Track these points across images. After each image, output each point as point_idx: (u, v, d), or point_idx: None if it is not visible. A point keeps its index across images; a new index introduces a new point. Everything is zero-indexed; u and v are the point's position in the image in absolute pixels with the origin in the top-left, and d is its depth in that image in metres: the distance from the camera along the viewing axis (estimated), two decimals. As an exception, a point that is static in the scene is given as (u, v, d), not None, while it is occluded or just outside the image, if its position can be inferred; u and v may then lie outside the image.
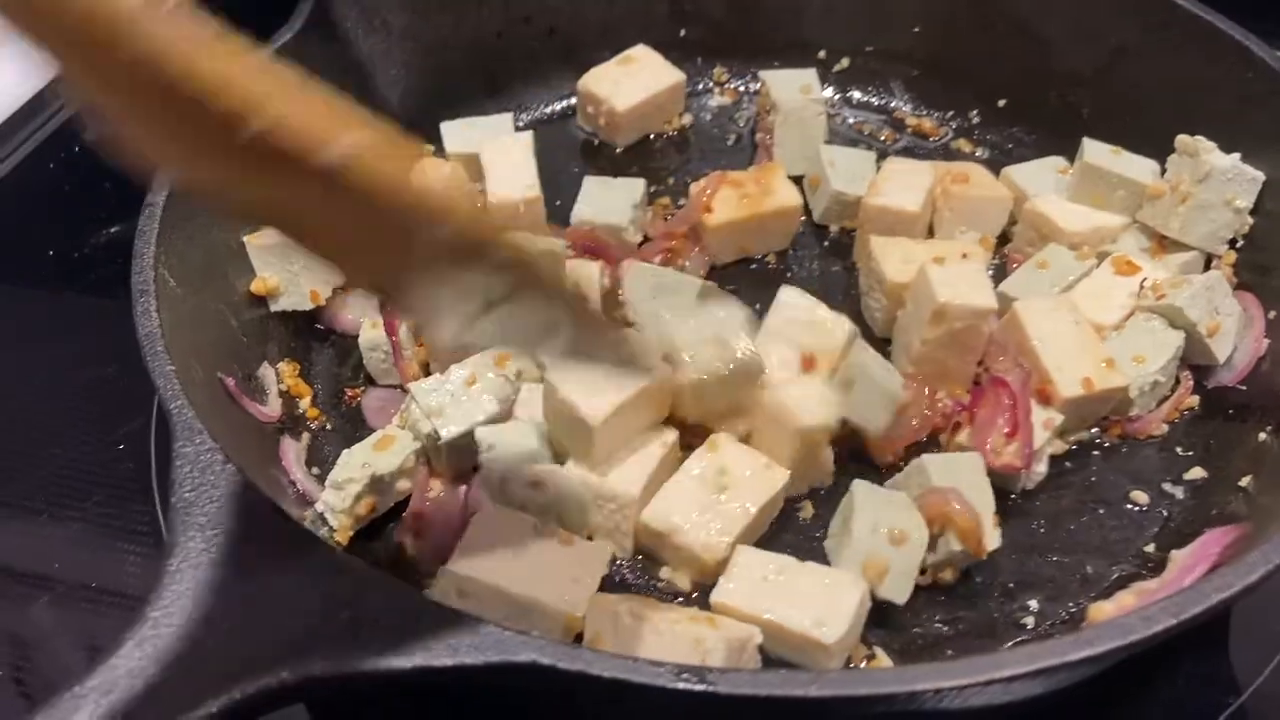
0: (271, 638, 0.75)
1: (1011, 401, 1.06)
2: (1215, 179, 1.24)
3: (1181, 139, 1.27)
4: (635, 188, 1.40)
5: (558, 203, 1.41)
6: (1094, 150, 1.34)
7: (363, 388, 1.24)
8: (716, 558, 1.01)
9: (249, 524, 0.83)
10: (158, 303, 1.00)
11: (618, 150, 1.56)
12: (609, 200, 1.38)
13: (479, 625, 0.76)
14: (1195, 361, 1.19)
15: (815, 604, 0.93)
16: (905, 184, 1.36)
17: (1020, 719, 0.96)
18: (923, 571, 1.02)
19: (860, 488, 1.04)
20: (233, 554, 0.80)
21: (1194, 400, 1.16)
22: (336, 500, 1.04)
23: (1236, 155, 1.24)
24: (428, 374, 1.20)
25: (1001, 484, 1.08)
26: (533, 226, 1.35)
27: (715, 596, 0.96)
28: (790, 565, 0.97)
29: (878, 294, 1.25)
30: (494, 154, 1.40)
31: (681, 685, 0.72)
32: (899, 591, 0.98)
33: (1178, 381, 1.19)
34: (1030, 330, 1.13)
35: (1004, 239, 1.39)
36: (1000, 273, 1.34)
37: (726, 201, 1.36)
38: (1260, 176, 1.24)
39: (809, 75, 1.54)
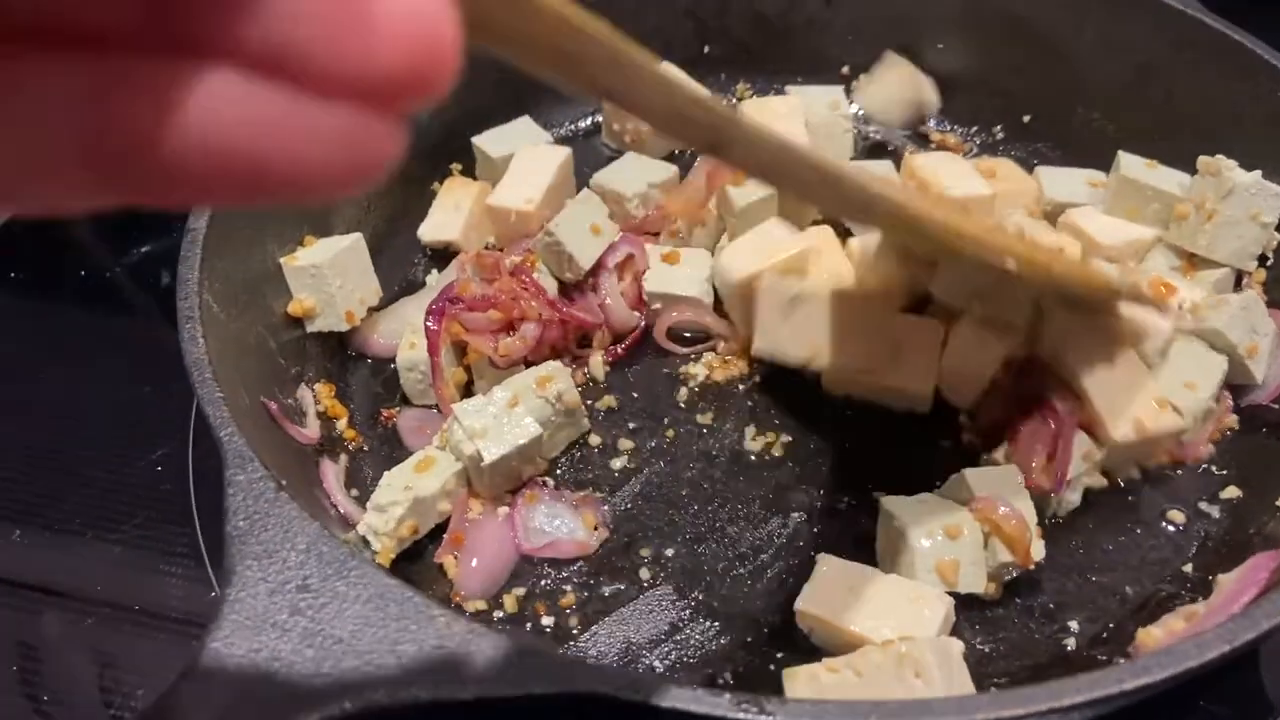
0: (332, 667, 0.75)
1: (1056, 428, 1.06)
2: (1239, 194, 1.24)
3: (1202, 160, 1.27)
4: (665, 171, 1.43)
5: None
6: (1130, 163, 1.35)
7: (398, 408, 1.24)
8: None
9: (304, 553, 0.84)
10: (203, 329, 1.01)
11: (644, 167, 1.57)
12: (632, 173, 1.42)
13: (539, 654, 0.76)
14: (1234, 382, 1.20)
15: (901, 617, 0.94)
16: (956, 173, 1.38)
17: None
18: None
19: (891, 503, 1.05)
20: (290, 583, 0.81)
21: (1233, 420, 1.16)
22: (380, 523, 1.05)
23: (1258, 173, 1.25)
24: (466, 395, 1.21)
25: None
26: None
27: (800, 605, 0.97)
28: (874, 576, 0.98)
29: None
30: (524, 161, 1.41)
31: (741, 715, 0.73)
32: (975, 582, 0.99)
33: (1217, 401, 1.19)
34: (1079, 369, 1.10)
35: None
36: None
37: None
38: (1283, 191, 1.25)
39: (836, 92, 1.55)
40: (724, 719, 0.73)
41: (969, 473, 1.06)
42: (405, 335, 1.23)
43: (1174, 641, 0.76)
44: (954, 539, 1.00)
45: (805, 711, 0.73)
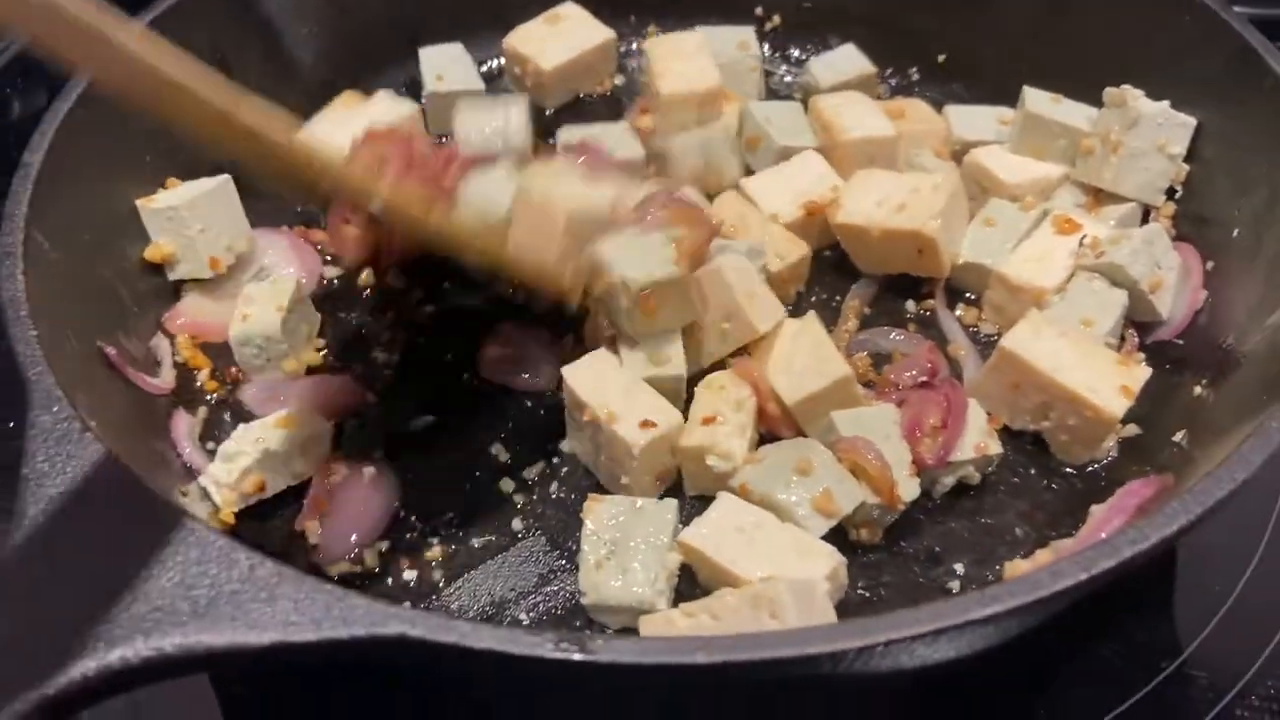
0: (117, 613, 0.69)
1: (949, 401, 1.02)
2: (1145, 125, 1.20)
3: (1109, 91, 1.22)
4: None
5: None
6: (1035, 98, 1.30)
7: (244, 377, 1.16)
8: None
9: (107, 498, 0.78)
10: (24, 265, 0.94)
11: (547, 112, 1.51)
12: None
13: (345, 597, 0.70)
14: (1139, 319, 1.15)
15: (784, 565, 0.89)
16: (860, 113, 1.34)
17: (955, 679, 0.92)
18: (844, 532, 0.98)
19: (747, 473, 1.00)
20: (85, 528, 0.75)
21: (1139, 358, 1.11)
22: (222, 473, 0.98)
23: (1166, 102, 1.20)
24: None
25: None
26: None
27: (685, 536, 0.93)
28: (768, 522, 0.94)
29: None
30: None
31: (560, 655, 0.67)
32: (853, 497, 0.97)
33: (1122, 339, 1.14)
34: (1042, 364, 1.03)
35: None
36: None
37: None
38: (1191, 122, 1.20)
39: (746, 32, 1.49)
40: (543, 659, 0.67)
41: (837, 414, 1.01)
42: (239, 307, 1.14)
43: (1034, 571, 0.71)
44: (808, 474, 0.96)
45: (629, 649, 0.67)
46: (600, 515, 0.96)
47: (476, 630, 0.69)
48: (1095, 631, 1.01)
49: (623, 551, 0.94)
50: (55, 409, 0.82)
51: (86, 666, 0.66)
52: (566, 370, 1.03)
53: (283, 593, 0.71)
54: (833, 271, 1.27)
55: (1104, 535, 0.84)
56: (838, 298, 1.25)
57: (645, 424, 0.99)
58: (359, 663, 0.78)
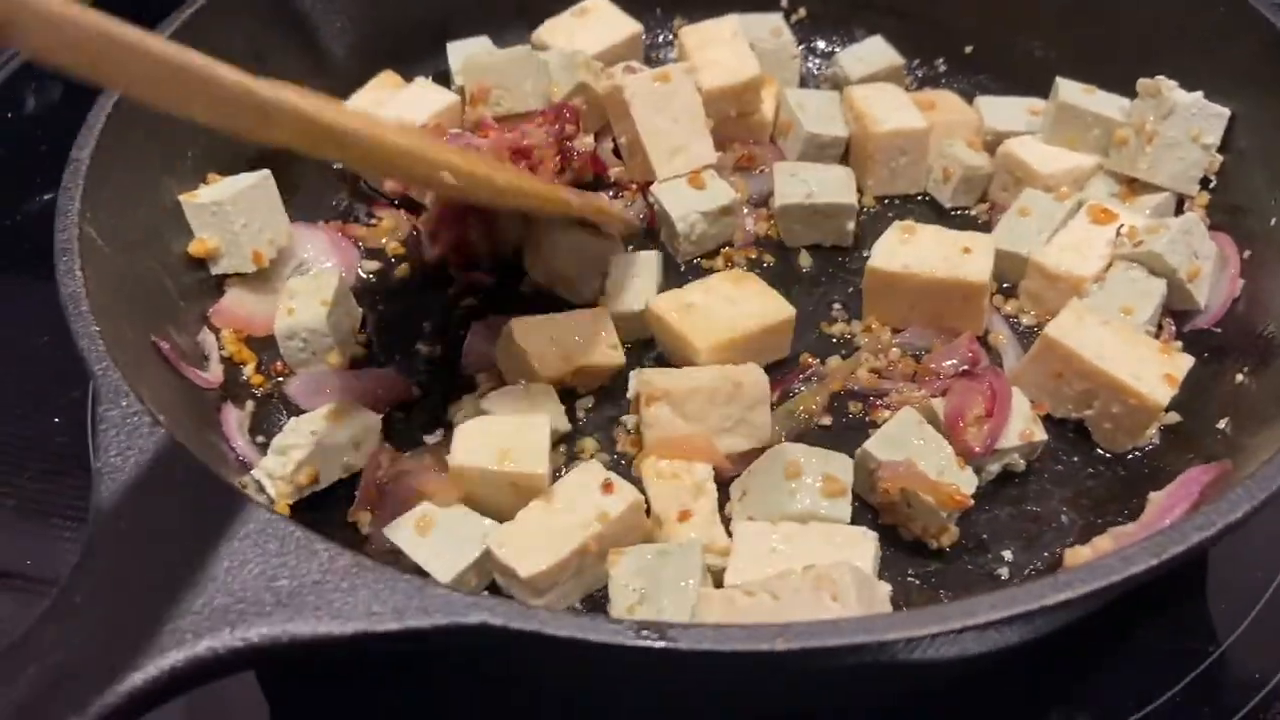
0: (203, 606, 0.70)
1: (994, 390, 1.02)
2: (1179, 115, 1.21)
3: (1142, 82, 1.23)
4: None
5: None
6: (1068, 89, 1.30)
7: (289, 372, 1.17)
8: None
9: (180, 490, 0.78)
10: (82, 261, 0.95)
11: (576, 105, 1.51)
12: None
13: (425, 587, 0.71)
14: (1176, 307, 1.16)
15: (831, 559, 0.87)
16: (892, 105, 1.34)
17: (999, 668, 0.93)
18: (917, 537, 1.00)
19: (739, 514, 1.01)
20: (162, 521, 0.76)
21: (1177, 346, 1.12)
22: (276, 465, 0.99)
23: (1199, 93, 1.21)
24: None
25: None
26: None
27: (729, 579, 0.91)
28: (795, 530, 0.94)
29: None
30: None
31: (641, 642, 0.68)
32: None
33: (1160, 328, 1.16)
34: (1086, 352, 1.03)
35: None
36: (986, 227, 1.31)
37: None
38: (1225, 112, 1.21)
39: (776, 19, 1.50)
40: (624, 646, 0.68)
41: (869, 444, 1.01)
42: (282, 301, 1.15)
43: (1099, 558, 0.72)
44: (800, 474, 0.97)
45: (708, 637, 0.68)
46: (625, 567, 0.91)
47: (557, 618, 0.70)
48: (1132, 622, 1.02)
49: (652, 598, 0.89)
50: (124, 403, 0.83)
51: (175, 658, 0.67)
52: None
53: (363, 582, 0.71)
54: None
55: (1168, 521, 0.85)
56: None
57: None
58: (436, 652, 0.79)
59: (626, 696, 0.92)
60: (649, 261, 1.24)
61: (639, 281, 1.21)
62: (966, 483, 0.98)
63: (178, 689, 0.68)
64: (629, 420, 1.11)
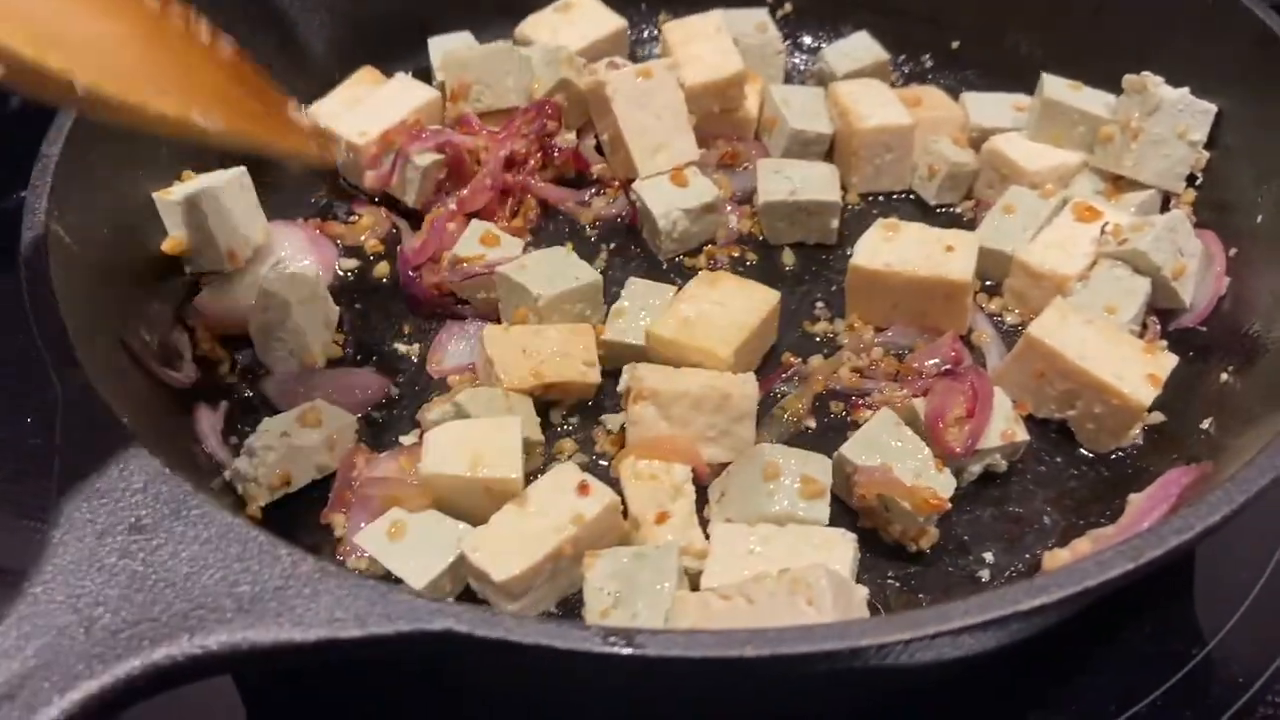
0: (161, 612, 0.69)
1: (975, 389, 1.01)
2: (1165, 111, 1.19)
3: (1128, 78, 1.22)
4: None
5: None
6: (1054, 85, 1.29)
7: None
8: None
9: (144, 492, 0.77)
10: (50, 260, 0.93)
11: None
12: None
13: (390, 592, 0.70)
14: (1161, 306, 1.15)
15: (809, 561, 0.87)
16: (877, 101, 1.33)
17: (979, 671, 0.92)
18: (896, 540, 0.99)
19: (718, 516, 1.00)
20: (121, 524, 0.74)
21: (1162, 345, 1.11)
22: (248, 467, 0.98)
23: (1185, 89, 1.20)
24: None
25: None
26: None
27: (705, 582, 0.90)
28: (773, 533, 0.92)
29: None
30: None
31: (608, 649, 0.67)
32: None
33: (1144, 327, 1.14)
34: (1069, 352, 1.02)
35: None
36: (971, 224, 1.29)
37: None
38: (1211, 109, 1.20)
39: (760, 14, 1.49)
40: (591, 654, 0.67)
41: (845, 447, 1.00)
42: (259, 299, 1.12)
43: (1077, 561, 0.71)
44: (779, 475, 0.96)
45: (677, 643, 0.67)
46: (600, 570, 0.90)
47: (523, 625, 0.69)
48: (1116, 623, 1.01)
49: (627, 602, 0.88)
50: (89, 404, 0.81)
51: (132, 665, 0.66)
52: None
53: (326, 589, 0.70)
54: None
55: (1146, 524, 0.84)
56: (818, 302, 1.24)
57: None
58: (399, 659, 0.77)
59: (596, 703, 0.91)
60: (652, 291, 1.18)
61: (638, 311, 1.16)
62: (944, 486, 0.97)
63: (135, 697, 0.67)
64: (609, 420, 1.10)
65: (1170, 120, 1.20)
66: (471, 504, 0.97)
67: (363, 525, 0.98)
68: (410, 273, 1.22)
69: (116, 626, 0.68)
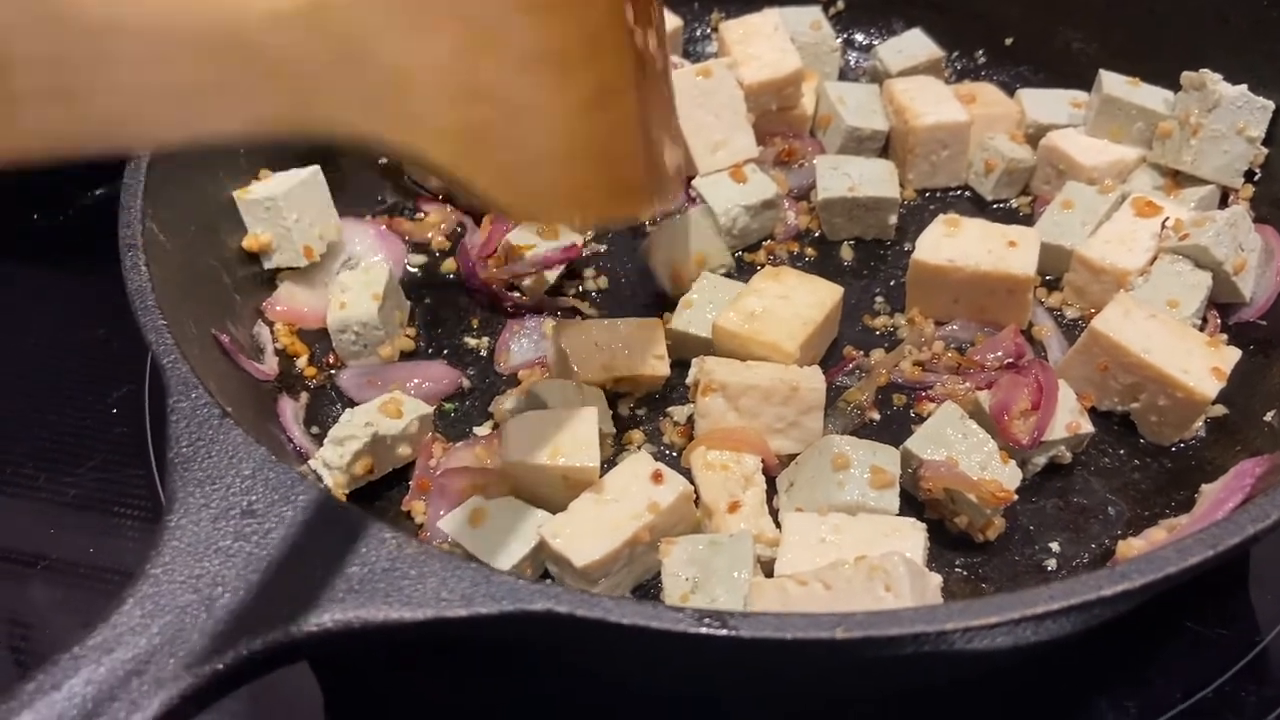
0: (278, 592, 0.72)
1: (1041, 382, 1.03)
2: (1225, 108, 1.20)
3: (1187, 75, 1.23)
4: None
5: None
6: (1112, 81, 1.31)
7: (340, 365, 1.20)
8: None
9: (253, 478, 0.80)
10: (146, 257, 0.97)
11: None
12: None
13: (492, 575, 0.73)
14: (1221, 300, 1.16)
15: (880, 549, 0.88)
16: (933, 98, 1.35)
17: (1048, 657, 0.94)
18: (963, 530, 1.01)
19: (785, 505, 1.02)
20: (234, 509, 0.78)
21: (1223, 339, 1.12)
22: (334, 456, 1.01)
23: (1243, 86, 1.21)
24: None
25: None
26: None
27: (779, 569, 0.92)
28: (844, 521, 0.95)
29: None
30: None
31: (704, 630, 0.70)
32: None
33: (1205, 321, 1.16)
34: (1133, 346, 1.04)
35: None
36: (1028, 220, 1.31)
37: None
38: (1270, 105, 1.21)
39: (815, 12, 1.51)
40: (685, 634, 0.70)
41: (911, 441, 1.02)
42: (334, 295, 1.17)
43: (1154, 549, 0.73)
44: (848, 465, 0.98)
45: (769, 625, 0.70)
46: (677, 556, 0.92)
47: (620, 606, 0.71)
48: (1177, 613, 1.03)
49: (705, 588, 0.91)
50: (193, 395, 0.85)
51: (252, 642, 0.69)
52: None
53: (431, 570, 0.73)
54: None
55: (1221, 514, 0.85)
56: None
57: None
58: (499, 639, 0.80)
59: (668, 683, 0.94)
60: (720, 285, 1.20)
61: (706, 304, 1.18)
62: (1009, 478, 0.98)
63: (254, 673, 0.70)
64: (675, 411, 1.13)
65: (1229, 116, 1.21)
66: (549, 492, 1.00)
67: (442, 513, 1.01)
68: (471, 265, 1.25)
69: (236, 605, 0.71)
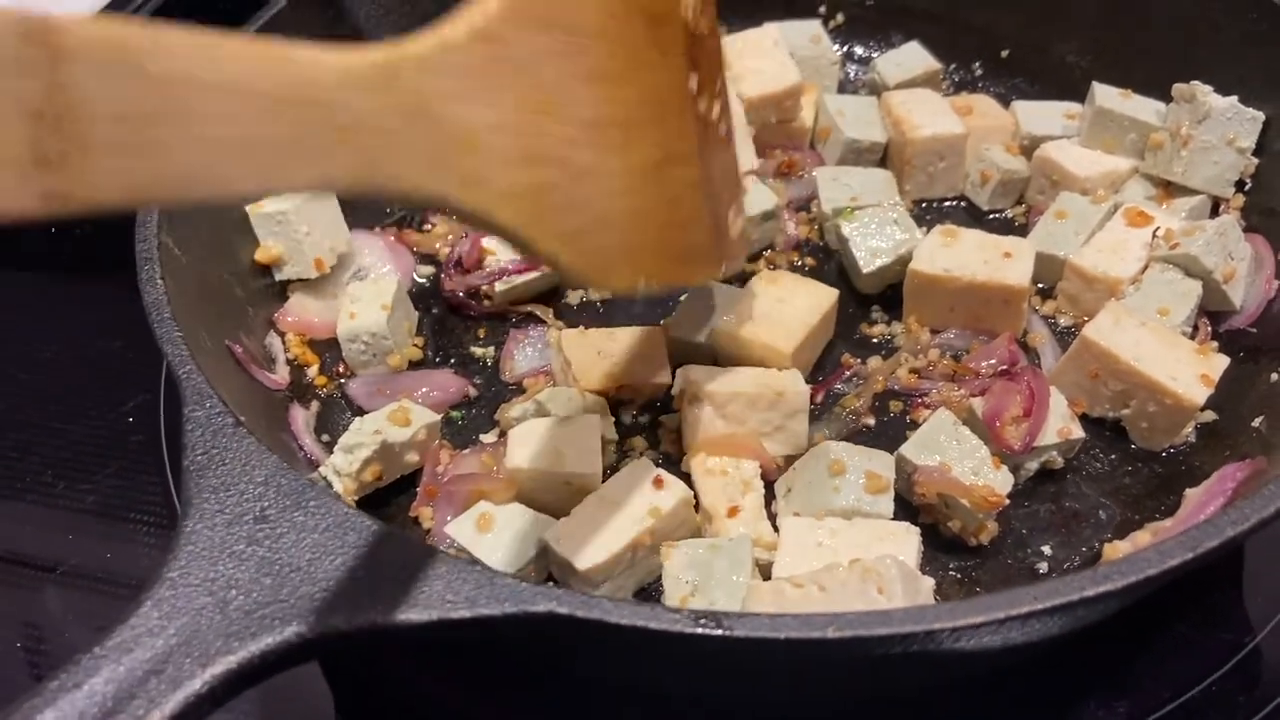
0: (289, 594, 0.75)
1: (1032, 389, 1.05)
2: (1215, 119, 1.23)
3: (1178, 87, 1.26)
4: None
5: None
6: (1105, 94, 1.33)
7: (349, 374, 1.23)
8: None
9: (265, 485, 0.83)
10: (162, 270, 1.00)
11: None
12: None
13: (496, 578, 0.76)
14: (1212, 308, 1.18)
15: (874, 553, 0.90)
16: (930, 111, 1.38)
17: (1038, 657, 0.96)
18: (956, 534, 1.03)
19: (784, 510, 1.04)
20: (247, 514, 0.80)
21: (1213, 346, 1.14)
22: (343, 463, 1.04)
23: (1234, 97, 1.23)
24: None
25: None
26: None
27: (777, 572, 0.95)
28: (840, 526, 0.97)
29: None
30: None
31: (700, 630, 0.72)
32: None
33: (1196, 329, 1.18)
34: (1124, 353, 1.06)
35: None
36: (1023, 229, 1.33)
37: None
38: (1260, 116, 1.24)
39: (814, 26, 1.53)
40: (682, 635, 0.72)
41: (904, 448, 1.05)
42: (344, 305, 1.20)
43: (1137, 552, 0.75)
44: (844, 471, 1.00)
45: (764, 625, 0.72)
46: (678, 560, 0.95)
47: (619, 607, 0.74)
48: (1169, 613, 1.05)
49: (704, 590, 0.93)
50: (208, 404, 0.88)
51: (265, 643, 0.72)
52: None
53: (437, 574, 0.76)
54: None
55: (1203, 517, 0.88)
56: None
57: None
58: (500, 640, 0.83)
59: (669, 685, 0.97)
60: (719, 291, 1.22)
61: (704, 309, 1.21)
62: (1002, 483, 1.01)
63: (267, 672, 0.73)
64: (668, 420, 1.15)
65: (1220, 128, 1.23)
66: (552, 497, 1.03)
67: (449, 518, 1.04)
68: (443, 275, 1.29)
69: (250, 607, 0.74)
